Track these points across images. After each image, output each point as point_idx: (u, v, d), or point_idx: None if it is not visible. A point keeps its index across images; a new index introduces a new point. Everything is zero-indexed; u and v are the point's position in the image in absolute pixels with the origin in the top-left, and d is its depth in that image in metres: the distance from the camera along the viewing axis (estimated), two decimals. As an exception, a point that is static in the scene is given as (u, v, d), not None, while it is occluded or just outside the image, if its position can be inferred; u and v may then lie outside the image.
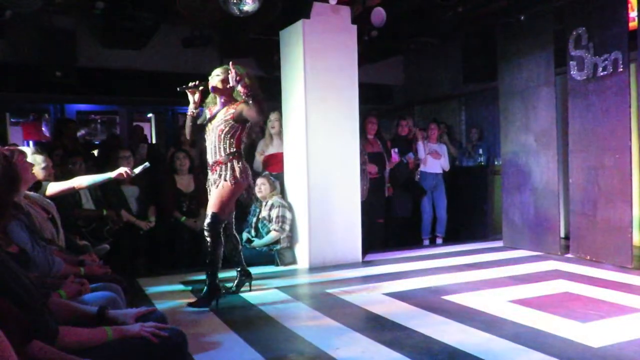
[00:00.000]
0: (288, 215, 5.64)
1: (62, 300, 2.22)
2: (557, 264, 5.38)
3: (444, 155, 7.15)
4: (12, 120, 8.88)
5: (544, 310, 3.77)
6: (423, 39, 7.53)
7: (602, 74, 5.30)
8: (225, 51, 7.93)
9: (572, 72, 5.60)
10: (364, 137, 6.49)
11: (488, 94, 8.32)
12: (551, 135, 5.89)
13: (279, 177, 5.95)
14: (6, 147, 2.96)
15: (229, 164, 4.14)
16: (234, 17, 5.21)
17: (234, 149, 4.16)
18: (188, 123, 4.29)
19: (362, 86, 5.85)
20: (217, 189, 4.16)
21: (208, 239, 4.12)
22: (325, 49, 5.56)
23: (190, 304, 4.07)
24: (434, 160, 7.03)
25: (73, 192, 4.45)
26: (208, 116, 4.28)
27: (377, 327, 3.56)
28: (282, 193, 5.87)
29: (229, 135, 4.14)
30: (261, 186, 5.71)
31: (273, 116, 6.11)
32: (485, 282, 4.70)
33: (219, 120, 4.17)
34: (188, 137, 4.43)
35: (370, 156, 6.41)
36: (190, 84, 4.16)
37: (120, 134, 9.68)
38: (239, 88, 3.92)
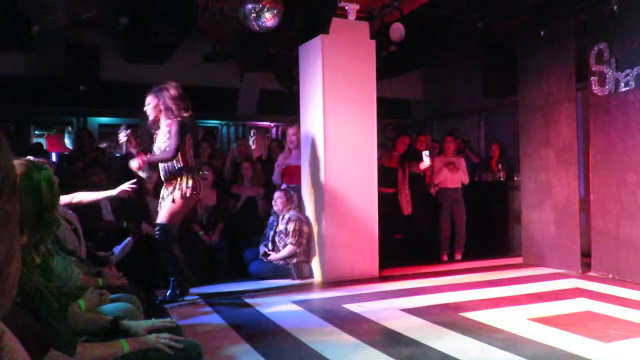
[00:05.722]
0: (305, 229, 5.64)
1: (80, 311, 2.25)
2: (578, 282, 5.28)
3: (463, 169, 7.04)
4: (36, 132, 9.08)
5: (565, 330, 3.70)
6: (442, 54, 7.53)
7: (624, 89, 5.24)
8: (245, 66, 8.03)
9: (593, 88, 5.55)
10: (388, 151, 6.47)
11: (508, 108, 8.27)
12: (572, 151, 5.81)
13: (297, 190, 5.97)
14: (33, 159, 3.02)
15: (179, 179, 4.36)
16: (253, 32, 5.28)
17: (181, 164, 4.36)
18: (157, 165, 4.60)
19: (380, 101, 5.86)
20: (168, 204, 4.39)
21: (162, 247, 4.44)
22: (343, 64, 5.59)
23: (161, 301, 4.45)
24: (452, 175, 6.93)
25: (93, 204, 4.51)
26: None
27: (394, 343, 3.53)
28: (300, 206, 5.88)
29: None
30: (277, 200, 5.71)
31: (291, 130, 6.14)
32: (505, 300, 4.63)
33: (160, 140, 4.41)
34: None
35: (384, 171, 6.33)
36: (119, 138, 4.75)
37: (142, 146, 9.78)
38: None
